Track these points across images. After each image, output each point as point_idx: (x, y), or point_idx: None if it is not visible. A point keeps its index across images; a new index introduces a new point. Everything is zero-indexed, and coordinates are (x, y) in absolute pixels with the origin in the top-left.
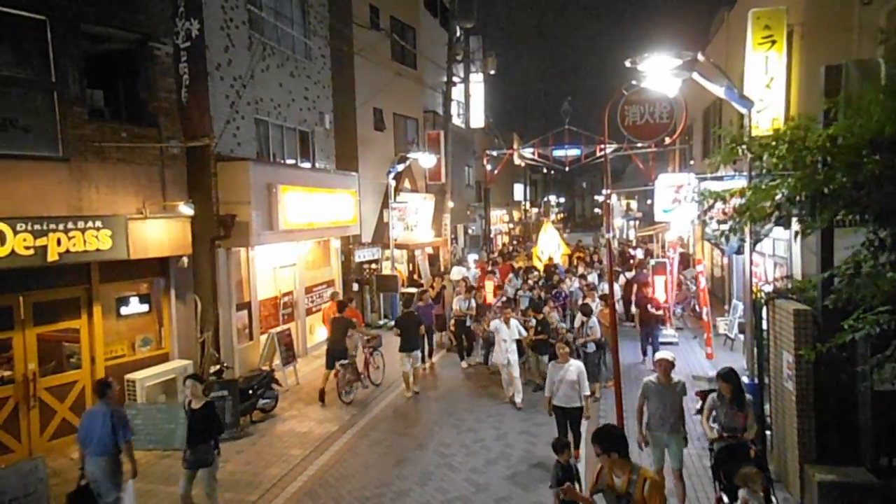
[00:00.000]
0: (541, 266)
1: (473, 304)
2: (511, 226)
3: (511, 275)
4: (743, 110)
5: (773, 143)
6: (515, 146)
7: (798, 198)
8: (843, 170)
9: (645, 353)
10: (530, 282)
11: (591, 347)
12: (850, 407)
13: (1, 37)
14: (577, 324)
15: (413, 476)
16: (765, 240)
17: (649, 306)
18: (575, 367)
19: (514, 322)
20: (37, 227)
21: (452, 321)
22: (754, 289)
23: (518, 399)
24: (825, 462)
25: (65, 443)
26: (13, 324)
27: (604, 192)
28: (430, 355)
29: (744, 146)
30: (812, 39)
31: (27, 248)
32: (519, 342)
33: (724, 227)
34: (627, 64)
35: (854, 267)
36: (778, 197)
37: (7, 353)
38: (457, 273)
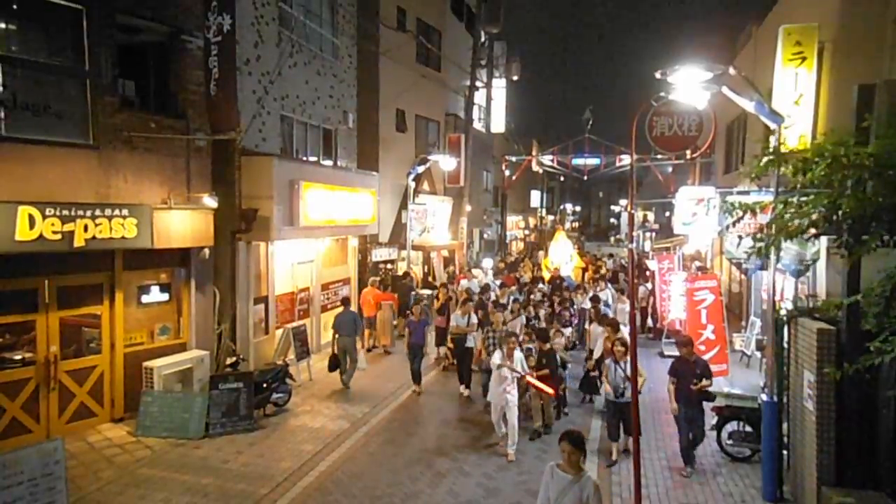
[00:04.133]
0: (548, 278)
1: (475, 319)
2: (526, 232)
3: (513, 287)
4: (773, 125)
5: (815, 160)
6: (534, 153)
7: (834, 216)
8: (882, 191)
9: (687, 459)
10: (533, 297)
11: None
12: (871, 429)
13: (38, 24)
14: (595, 353)
15: (425, 477)
16: (785, 257)
17: (693, 382)
18: (589, 486)
19: (517, 355)
20: (65, 212)
21: (450, 337)
22: (776, 306)
23: (511, 449)
24: (843, 485)
25: (82, 426)
26: (37, 306)
27: (621, 202)
28: (419, 381)
29: (782, 161)
30: (843, 57)
31: (55, 232)
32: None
33: (760, 244)
34: (658, 75)
35: (891, 289)
36: (815, 216)
37: (30, 335)
38: (469, 285)
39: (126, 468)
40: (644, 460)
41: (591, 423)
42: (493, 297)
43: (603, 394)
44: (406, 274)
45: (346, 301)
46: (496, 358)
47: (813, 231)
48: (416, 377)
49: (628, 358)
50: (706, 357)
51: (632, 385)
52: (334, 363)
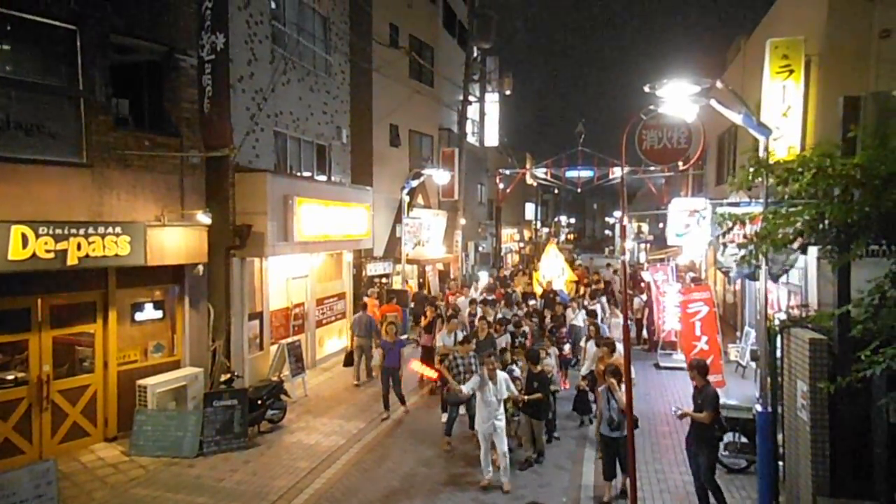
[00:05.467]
0: (539, 292)
1: (461, 338)
2: (521, 245)
3: (501, 303)
4: (761, 138)
5: (799, 170)
6: (528, 166)
7: (821, 225)
8: (869, 200)
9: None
10: (520, 312)
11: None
12: (865, 439)
13: (33, 45)
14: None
15: (420, 493)
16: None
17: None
18: None
19: (501, 376)
20: (58, 231)
21: (438, 359)
22: (768, 316)
23: (505, 478)
24: (839, 495)
25: (75, 446)
26: (30, 325)
27: (615, 214)
28: (403, 401)
29: (768, 171)
30: (830, 70)
31: (48, 251)
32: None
33: (743, 251)
34: (646, 89)
35: (879, 298)
36: (798, 224)
37: (22, 354)
38: (462, 304)
39: (119, 488)
40: (640, 479)
41: (583, 455)
42: (479, 313)
43: (593, 425)
44: (422, 285)
45: (364, 306)
46: (472, 384)
47: (799, 240)
48: (399, 398)
49: (624, 388)
50: None
51: (627, 411)
52: (349, 359)
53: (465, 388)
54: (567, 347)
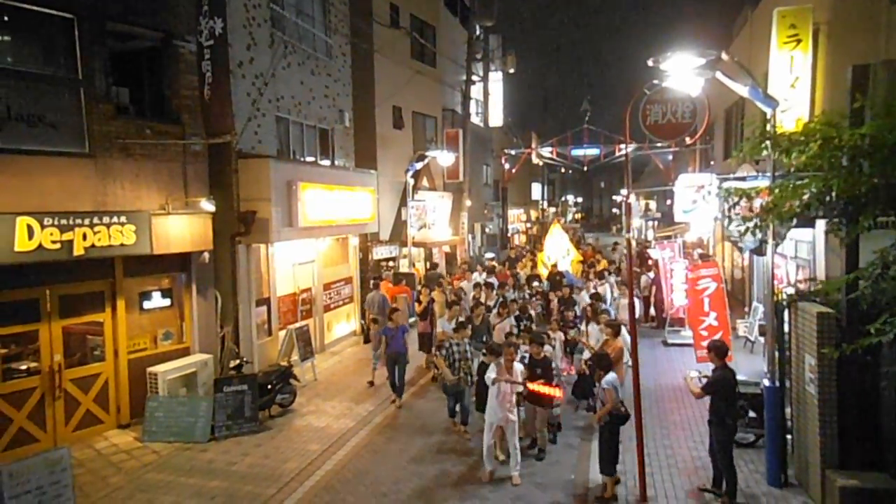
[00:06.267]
0: (545, 274)
1: (457, 324)
2: (528, 225)
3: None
4: (767, 110)
5: (804, 140)
6: (534, 145)
7: (828, 198)
8: (877, 171)
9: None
10: (526, 294)
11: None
12: (873, 411)
13: (30, 34)
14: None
15: (429, 473)
16: (787, 241)
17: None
18: None
19: (517, 368)
20: (63, 221)
21: (436, 345)
22: (776, 291)
23: (516, 472)
24: (847, 467)
25: (89, 433)
26: (40, 316)
27: (622, 192)
28: (401, 393)
29: (771, 142)
30: (838, 39)
31: (54, 242)
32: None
33: (749, 224)
34: (650, 63)
35: (882, 267)
36: (806, 196)
37: (34, 344)
38: (467, 289)
39: (133, 473)
40: (648, 454)
41: (588, 449)
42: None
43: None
44: (435, 265)
45: (376, 285)
46: (490, 372)
47: (806, 213)
48: (397, 389)
49: (609, 376)
50: (705, 342)
51: (634, 392)
52: (368, 336)
53: (490, 376)
54: (573, 332)
